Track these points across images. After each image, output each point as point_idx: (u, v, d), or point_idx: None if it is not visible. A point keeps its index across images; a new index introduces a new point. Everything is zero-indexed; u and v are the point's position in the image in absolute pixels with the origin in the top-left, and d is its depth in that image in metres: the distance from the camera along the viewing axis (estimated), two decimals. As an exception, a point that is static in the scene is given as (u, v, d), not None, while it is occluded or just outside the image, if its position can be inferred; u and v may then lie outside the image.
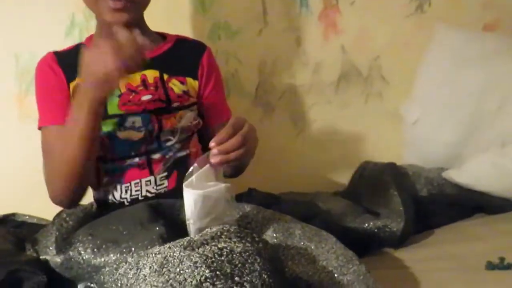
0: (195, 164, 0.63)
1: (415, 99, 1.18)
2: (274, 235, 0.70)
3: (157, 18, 0.93)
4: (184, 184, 0.61)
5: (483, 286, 0.70)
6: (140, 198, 0.85)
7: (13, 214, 1.02)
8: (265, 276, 0.48)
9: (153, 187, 0.85)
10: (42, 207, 0.93)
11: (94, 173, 0.86)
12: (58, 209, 0.88)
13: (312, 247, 0.66)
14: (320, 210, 0.95)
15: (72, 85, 0.85)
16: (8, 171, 1.14)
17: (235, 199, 0.77)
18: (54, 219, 0.87)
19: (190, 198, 0.60)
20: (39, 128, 0.86)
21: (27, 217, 1.02)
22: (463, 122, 1.08)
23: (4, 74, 1.12)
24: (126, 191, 0.86)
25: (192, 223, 0.60)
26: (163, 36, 0.95)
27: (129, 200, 0.86)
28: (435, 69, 1.16)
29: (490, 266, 0.74)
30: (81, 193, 0.84)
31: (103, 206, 0.87)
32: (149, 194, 0.85)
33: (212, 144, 0.64)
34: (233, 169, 0.88)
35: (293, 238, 0.68)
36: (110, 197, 0.87)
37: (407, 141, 1.19)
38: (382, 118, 1.23)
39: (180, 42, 0.94)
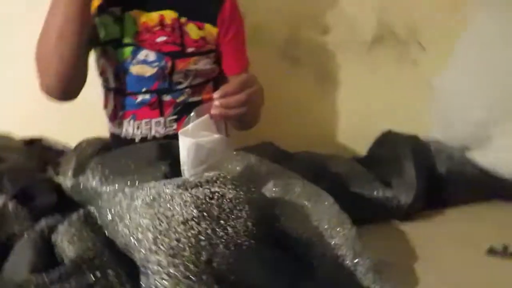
0: (193, 113, 0.63)
1: (450, 72, 1.11)
2: (274, 189, 0.70)
3: None
4: (179, 131, 0.61)
5: (478, 270, 0.69)
6: (149, 137, 0.87)
7: (40, 139, 1.08)
8: (249, 224, 0.49)
9: (162, 128, 0.87)
10: (69, 134, 0.99)
11: (86, 64, 0.84)
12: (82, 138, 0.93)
13: (309, 206, 0.66)
14: (329, 172, 0.94)
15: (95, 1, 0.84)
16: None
17: (248, 150, 0.79)
18: (75, 147, 0.92)
19: (184, 145, 0.61)
20: None
21: (53, 143, 1.07)
22: (495, 103, 1.01)
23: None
24: (137, 128, 0.88)
25: (186, 170, 0.61)
26: None
27: (139, 137, 0.88)
28: (476, 43, 1.08)
29: (492, 252, 0.72)
30: (73, 88, 0.83)
31: (117, 140, 0.90)
32: (157, 135, 0.87)
33: (215, 95, 0.64)
34: (237, 123, 0.88)
35: (291, 194, 0.69)
36: (123, 132, 0.89)
37: (434, 115, 1.14)
38: (413, 87, 1.17)
39: None
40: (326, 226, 0.63)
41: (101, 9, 0.85)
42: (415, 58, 1.18)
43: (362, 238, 0.62)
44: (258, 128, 1.01)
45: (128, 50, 0.85)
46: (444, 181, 0.96)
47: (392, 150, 1.01)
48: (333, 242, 0.60)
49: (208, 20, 0.89)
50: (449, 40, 1.15)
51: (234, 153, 0.78)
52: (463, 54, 1.12)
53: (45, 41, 0.77)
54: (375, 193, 0.86)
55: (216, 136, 0.62)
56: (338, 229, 0.62)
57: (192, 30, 0.87)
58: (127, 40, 0.85)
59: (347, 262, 0.59)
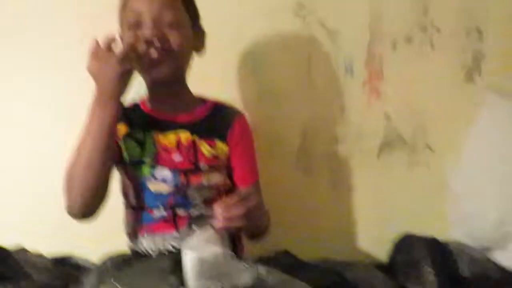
0: (197, 228, 0.68)
1: (462, 171, 1.12)
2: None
3: (200, 79, 1.01)
4: (182, 245, 0.65)
5: None
6: (164, 251, 0.91)
7: (69, 257, 1.14)
8: None
9: (177, 242, 0.91)
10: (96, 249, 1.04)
11: (108, 186, 0.89)
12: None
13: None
14: (347, 280, 0.92)
15: (121, 126, 0.95)
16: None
17: (262, 260, 0.80)
18: (99, 265, 0.96)
19: (187, 259, 0.64)
20: None
21: (82, 260, 1.13)
22: (510, 201, 1.00)
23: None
24: (153, 243, 0.93)
25: (190, 282, 0.63)
26: (201, 99, 1.04)
27: (155, 251, 0.92)
28: (484, 140, 1.11)
29: None
30: (94, 208, 0.88)
31: (135, 255, 0.94)
32: (172, 248, 0.91)
33: (216, 207, 0.69)
34: (247, 234, 0.93)
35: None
36: (140, 246, 0.94)
37: (452, 215, 1.12)
38: (427, 188, 1.18)
39: (216, 107, 1.02)
40: None
41: (127, 135, 0.97)
42: (426, 160, 1.21)
43: None
44: (274, 237, 1.03)
45: (147, 169, 0.94)
46: (467, 285, 0.92)
47: (410, 254, 0.99)
48: None
49: (219, 138, 0.98)
50: (459, 139, 1.18)
51: (243, 264, 0.80)
52: (474, 152, 1.13)
53: (74, 167, 0.86)
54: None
55: (218, 250, 0.65)
56: None
57: (205, 148, 0.96)
58: (146, 160, 0.94)
59: None
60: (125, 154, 0.96)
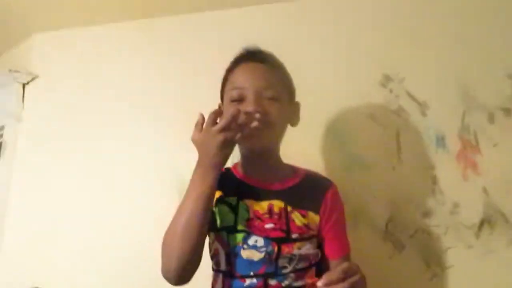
0: None
1: None
2: None
3: (291, 149, 1.05)
4: None
5: None
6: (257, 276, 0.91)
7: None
8: None
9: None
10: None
11: (202, 250, 0.91)
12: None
13: None
14: None
15: (218, 194, 0.98)
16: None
17: None
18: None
19: None
20: None
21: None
22: None
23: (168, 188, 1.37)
24: (248, 268, 0.92)
25: None
26: (293, 169, 1.06)
27: (248, 276, 0.91)
28: None
29: None
30: (189, 273, 0.90)
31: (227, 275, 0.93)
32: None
33: (319, 284, 0.67)
34: None
35: None
36: (237, 275, 0.93)
37: None
38: (537, 272, 1.06)
39: (308, 177, 1.03)
40: None
41: (219, 200, 1.00)
42: (531, 240, 1.10)
43: None
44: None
45: (240, 236, 0.95)
46: None
47: None
48: None
49: (311, 209, 0.98)
50: None
51: None
52: None
53: (172, 232, 0.90)
54: None
55: None
56: None
57: (297, 218, 0.96)
58: (240, 227, 0.96)
59: None
60: (218, 220, 0.99)
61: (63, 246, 1.51)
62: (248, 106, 0.93)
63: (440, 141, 1.20)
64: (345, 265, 0.73)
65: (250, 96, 0.95)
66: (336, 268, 0.72)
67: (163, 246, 0.91)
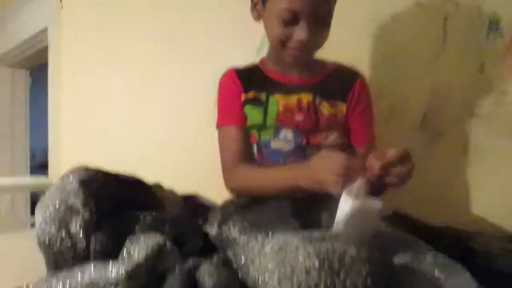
0: (360, 177, 0.69)
1: None
2: (403, 257, 0.69)
3: (329, 39, 1.00)
4: (345, 190, 0.67)
5: None
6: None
7: (195, 196, 1.26)
8: (369, 281, 0.50)
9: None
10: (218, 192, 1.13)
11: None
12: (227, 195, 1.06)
13: (441, 277, 0.63)
14: (474, 249, 0.86)
15: (244, 96, 1.02)
16: (195, 155, 1.38)
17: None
18: (222, 204, 1.05)
19: (347, 205, 0.66)
20: (217, 127, 1.06)
21: (204, 200, 1.24)
22: None
23: (206, 82, 1.40)
24: None
25: (339, 227, 0.66)
26: (323, 63, 1.04)
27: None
28: None
29: None
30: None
31: (257, 199, 1.00)
32: None
33: (375, 163, 0.69)
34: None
35: (422, 263, 0.66)
36: None
37: None
38: None
39: (337, 70, 1.02)
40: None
41: (249, 99, 1.02)
42: None
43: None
44: (397, 200, 1.00)
45: (270, 132, 0.98)
46: None
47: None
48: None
49: (339, 99, 0.99)
50: None
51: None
52: None
53: (248, 185, 0.98)
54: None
55: (379, 202, 0.66)
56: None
57: (325, 108, 0.98)
58: (269, 122, 0.98)
59: None
60: (248, 118, 1.01)
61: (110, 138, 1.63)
62: (302, 34, 0.90)
63: (494, 25, 1.10)
64: (401, 151, 0.73)
65: (303, 23, 0.91)
66: (390, 151, 0.72)
67: (241, 183, 1.00)
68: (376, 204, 0.67)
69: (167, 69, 1.64)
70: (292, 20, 0.90)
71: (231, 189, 1.02)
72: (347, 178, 0.72)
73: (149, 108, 1.64)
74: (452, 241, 0.91)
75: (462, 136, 1.12)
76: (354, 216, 0.66)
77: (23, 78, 3.16)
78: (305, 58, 0.97)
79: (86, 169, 0.85)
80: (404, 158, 0.73)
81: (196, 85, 1.57)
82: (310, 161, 0.84)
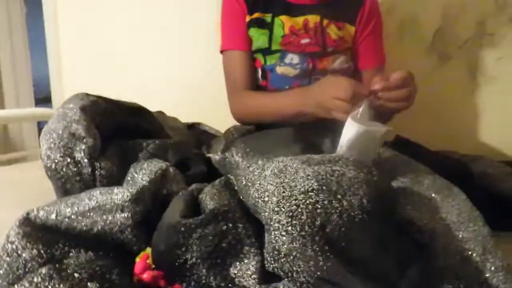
0: (365, 100, 0.67)
1: None
2: (403, 179, 0.70)
3: None
4: (350, 115, 0.67)
5: None
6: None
7: (199, 123, 1.27)
8: (365, 201, 0.51)
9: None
10: (221, 119, 1.13)
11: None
12: (231, 123, 1.06)
13: (437, 199, 0.64)
14: (471, 171, 0.87)
15: (248, 17, 0.97)
16: (198, 83, 1.36)
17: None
18: (225, 132, 1.06)
19: (352, 129, 0.65)
20: (221, 52, 1.03)
21: (208, 127, 1.25)
22: None
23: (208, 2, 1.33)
24: None
25: (342, 151, 0.66)
26: None
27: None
28: None
29: None
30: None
31: (260, 126, 1.00)
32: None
33: (376, 86, 0.67)
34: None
35: (420, 186, 0.67)
36: None
37: None
38: None
39: None
40: (454, 220, 0.60)
41: (254, 20, 0.97)
42: None
43: (496, 239, 0.58)
44: (400, 124, 1.00)
45: (276, 56, 0.95)
46: None
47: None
48: (461, 236, 0.58)
49: (348, 20, 0.94)
50: None
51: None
52: None
53: (251, 114, 0.98)
54: (523, 196, 0.77)
55: (383, 127, 0.66)
56: (468, 224, 0.59)
57: (333, 31, 0.93)
58: (275, 46, 0.95)
59: (475, 256, 0.56)
60: (253, 42, 0.97)
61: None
62: None
63: None
64: (403, 72, 0.71)
65: None
66: (393, 74, 0.70)
67: (229, 100, 1.01)
68: (380, 129, 0.67)
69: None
70: None
71: (234, 115, 1.02)
72: (354, 103, 0.71)
73: (151, 32, 1.59)
74: (453, 164, 0.92)
75: (471, 59, 1.08)
76: (358, 141, 0.66)
77: (17, 6, 3.05)
78: None
79: (87, 95, 0.85)
80: (407, 80, 0.71)
81: (198, 3, 1.50)
82: (315, 86, 0.82)
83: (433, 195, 0.66)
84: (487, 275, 0.54)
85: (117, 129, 0.85)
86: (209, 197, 0.60)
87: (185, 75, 1.52)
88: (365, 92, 0.72)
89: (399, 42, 1.11)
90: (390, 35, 1.08)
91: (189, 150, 0.90)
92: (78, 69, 1.73)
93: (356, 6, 0.95)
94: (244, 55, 0.98)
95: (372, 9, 0.96)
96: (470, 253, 0.56)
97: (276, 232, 0.48)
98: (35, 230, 0.58)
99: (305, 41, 0.94)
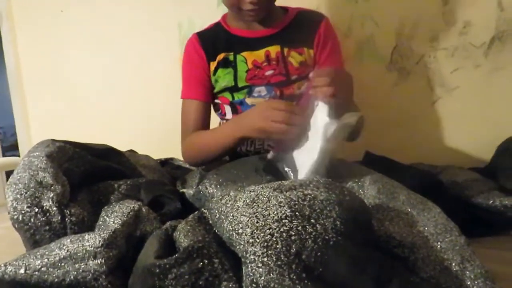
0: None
1: None
2: (378, 196, 0.71)
3: None
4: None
5: None
6: (262, 151, 0.97)
7: (172, 159, 1.26)
8: (338, 223, 0.52)
9: (273, 142, 0.95)
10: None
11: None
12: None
13: (414, 213, 0.66)
14: (440, 181, 0.89)
15: (212, 64, 0.99)
16: (168, 121, 1.36)
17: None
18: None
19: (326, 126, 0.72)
20: (181, 98, 1.04)
21: (181, 162, 1.24)
22: None
23: (170, 40, 1.35)
24: (251, 145, 0.98)
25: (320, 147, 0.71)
26: (284, 10, 1.00)
27: (253, 152, 0.98)
28: None
29: None
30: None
31: (233, 156, 1.00)
32: (269, 148, 0.97)
33: (310, 74, 0.74)
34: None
35: (396, 201, 0.69)
36: (238, 149, 1.00)
37: None
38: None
39: (300, 15, 0.99)
40: (432, 231, 0.61)
41: (219, 63, 0.98)
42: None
43: (472, 247, 0.59)
44: (368, 141, 1.02)
45: (244, 92, 0.97)
46: None
47: (516, 157, 0.92)
48: (439, 246, 0.59)
49: (307, 45, 0.97)
50: None
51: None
52: None
53: (196, 152, 0.99)
54: (491, 202, 0.79)
55: (352, 116, 0.71)
56: (445, 235, 0.60)
57: (294, 58, 0.96)
58: (241, 83, 0.97)
59: (454, 265, 0.56)
60: (219, 82, 0.99)
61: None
62: None
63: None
64: (324, 70, 0.75)
65: None
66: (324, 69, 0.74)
67: (184, 152, 1.02)
68: (349, 119, 0.71)
69: (129, 25, 1.56)
70: None
71: (185, 158, 1.03)
72: (273, 118, 0.76)
73: (116, 74, 1.58)
74: (423, 176, 0.93)
75: (429, 73, 1.13)
76: (333, 136, 0.71)
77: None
78: (263, 15, 0.94)
79: (53, 141, 0.83)
80: (334, 72, 0.74)
81: (159, 45, 1.52)
82: (251, 112, 0.85)
83: (409, 209, 0.67)
84: (467, 283, 0.54)
85: (88, 173, 0.83)
86: (183, 234, 0.59)
87: (156, 113, 1.52)
88: (286, 107, 0.75)
89: (360, 63, 1.15)
90: (350, 56, 1.11)
91: (162, 187, 0.89)
92: (44, 115, 1.70)
93: (312, 30, 0.98)
94: (199, 105, 1.01)
95: (327, 32, 0.99)
96: (449, 262, 0.57)
97: (252, 265, 0.48)
98: (4, 287, 0.55)
99: (269, 72, 0.96)
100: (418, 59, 1.13)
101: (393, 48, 1.15)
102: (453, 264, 0.57)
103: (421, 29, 1.12)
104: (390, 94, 1.15)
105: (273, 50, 0.96)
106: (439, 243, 0.59)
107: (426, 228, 0.62)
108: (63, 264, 0.60)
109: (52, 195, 0.71)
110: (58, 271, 0.58)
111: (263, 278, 0.46)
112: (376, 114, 1.16)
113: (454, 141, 1.13)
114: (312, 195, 0.56)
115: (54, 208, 0.70)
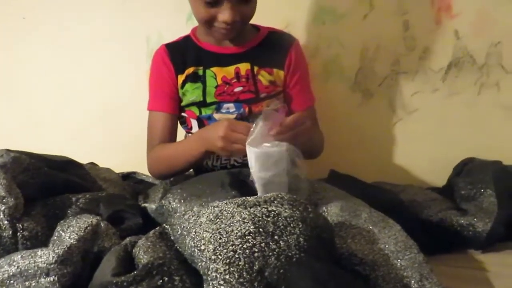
0: (259, 120, 0.71)
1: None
2: (341, 213, 0.72)
3: (258, 4, 0.99)
4: (247, 142, 0.69)
5: None
6: (228, 166, 0.97)
7: (134, 173, 1.22)
8: (302, 240, 0.52)
9: (239, 158, 0.96)
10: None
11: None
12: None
13: (375, 231, 0.67)
14: (401, 200, 0.92)
15: (180, 77, 0.98)
16: (132, 134, 1.33)
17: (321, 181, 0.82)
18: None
19: (251, 154, 0.69)
20: (148, 110, 1.02)
21: (144, 176, 1.21)
22: None
23: (137, 53, 1.33)
24: (217, 160, 0.98)
25: (254, 175, 0.70)
26: (256, 28, 1.02)
27: (219, 167, 0.97)
28: None
29: None
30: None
31: (198, 171, 0.99)
32: (236, 164, 0.97)
33: (271, 133, 0.73)
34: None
35: (358, 219, 0.70)
36: (204, 164, 0.99)
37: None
38: (497, 111, 1.11)
39: (271, 35, 1.01)
40: (392, 249, 0.63)
41: (188, 77, 0.98)
42: (497, 81, 1.11)
43: (430, 264, 0.61)
44: (330, 159, 1.04)
45: (212, 108, 0.97)
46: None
47: (471, 177, 0.95)
48: (399, 264, 0.60)
49: (277, 66, 0.98)
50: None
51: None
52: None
53: (162, 164, 0.98)
54: (447, 220, 0.82)
55: (277, 148, 0.68)
56: (404, 252, 0.62)
57: (263, 77, 0.97)
58: (210, 99, 0.96)
59: (413, 283, 0.57)
60: (185, 98, 0.98)
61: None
62: (226, 15, 0.86)
63: (414, -16, 1.14)
64: (295, 116, 0.75)
65: (227, 4, 0.86)
66: (286, 119, 0.73)
67: (150, 165, 1.00)
68: (277, 148, 0.69)
69: (95, 36, 1.52)
70: (215, 1, 0.86)
71: (150, 171, 1.01)
72: (232, 140, 0.76)
73: (80, 85, 1.53)
74: (385, 195, 0.96)
75: (391, 95, 1.17)
76: (262, 162, 0.69)
77: None
78: (234, 36, 0.94)
79: (8, 151, 0.79)
80: (298, 121, 0.74)
81: (127, 57, 1.49)
82: (207, 126, 0.86)
83: (370, 227, 0.68)
84: (426, 300, 0.55)
85: (44, 186, 0.80)
86: (143, 251, 0.57)
87: (118, 125, 1.48)
88: (243, 128, 0.75)
89: (325, 83, 1.18)
90: (316, 76, 1.14)
91: (123, 201, 0.86)
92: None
93: (283, 52, 0.99)
94: (166, 117, 0.99)
95: (297, 56, 1.01)
96: (408, 280, 0.58)
97: (214, 282, 0.47)
98: None
99: (238, 89, 0.96)
100: (381, 81, 1.17)
101: (357, 70, 1.18)
102: (412, 281, 0.58)
103: (384, 52, 1.16)
104: (354, 114, 1.19)
105: (243, 67, 0.97)
106: (399, 260, 0.61)
107: (387, 246, 0.64)
108: (12, 282, 0.57)
109: (3, 208, 0.67)
110: (7, 289, 0.54)
111: (224, 295, 0.45)
112: (340, 133, 1.19)
113: (413, 161, 1.17)
114: (276, 212, 0.55)
115: (6, 222, 0.67)
